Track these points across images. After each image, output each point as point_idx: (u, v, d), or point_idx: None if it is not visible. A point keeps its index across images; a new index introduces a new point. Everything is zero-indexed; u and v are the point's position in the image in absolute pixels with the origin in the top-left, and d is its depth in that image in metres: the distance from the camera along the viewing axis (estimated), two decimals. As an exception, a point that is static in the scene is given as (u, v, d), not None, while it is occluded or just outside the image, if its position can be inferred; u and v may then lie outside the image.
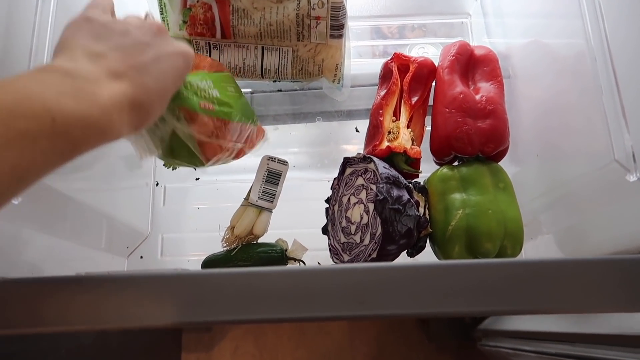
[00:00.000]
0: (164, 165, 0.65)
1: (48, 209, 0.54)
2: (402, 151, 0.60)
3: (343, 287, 0.34)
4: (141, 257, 0.74)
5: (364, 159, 0.58)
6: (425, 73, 0.66)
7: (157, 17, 0.69)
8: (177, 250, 0.76)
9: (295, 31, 0.65)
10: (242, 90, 0.74)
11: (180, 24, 0.68)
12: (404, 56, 0.67)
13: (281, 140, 0.76)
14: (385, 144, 0.61)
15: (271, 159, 0.64)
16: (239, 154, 0.64)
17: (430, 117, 0.64)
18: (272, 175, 0.64)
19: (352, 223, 0.57)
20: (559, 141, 0.55)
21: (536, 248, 0.64)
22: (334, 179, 0.62)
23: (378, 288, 0.34)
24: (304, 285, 0.34)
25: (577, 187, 0.52)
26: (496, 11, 0.74)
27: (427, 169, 0.63)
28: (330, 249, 0.60)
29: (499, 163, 0.60)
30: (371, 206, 0.55)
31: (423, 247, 0.58)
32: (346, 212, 0.59)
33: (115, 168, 0.69)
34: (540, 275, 0.34)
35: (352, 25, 0.84)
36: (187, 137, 0.55)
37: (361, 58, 0.86)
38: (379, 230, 0.53)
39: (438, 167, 0.62)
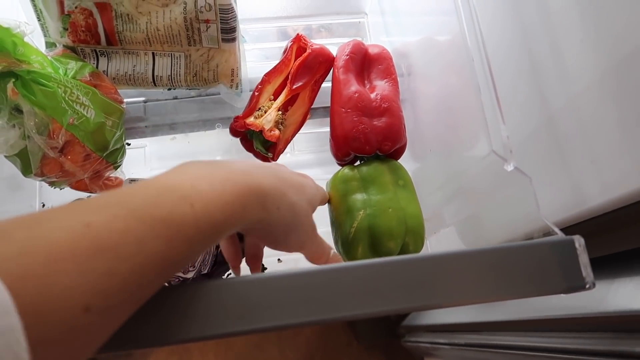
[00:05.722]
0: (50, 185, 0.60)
1: None
2: (258, 130, 0.59)
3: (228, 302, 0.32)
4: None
5: None
6: (318, 61, 0.65)
7: (35, 24, 0.64)
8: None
9: (186, 36, 0.62)
10: (134, 98, 0.70)
11: (60, 31, 0.63)
12: (304, 40, 0.66)
13: (179, 150, 0.72)
14: (251, 119, 0.59)
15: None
16: (79, 185, 0.60)
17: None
18: None
19: None
20: (449, 136, 0.56)
21: (439, 241, 0.64)
22: None
23: (264, 300, 0.32)
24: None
25: (467, 179, 0.53)
26: (392, 9, 0.75)
27: (332, 170, 0.62)
28: None
29: (399, 160, 0.60)
30: None
31: None
32: None
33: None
34: (434, 269, 0.34)
35: (256, 27, 0.83)
36: (34, 147, 0.52)
37: (268, 60, 0.84)
38: None
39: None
